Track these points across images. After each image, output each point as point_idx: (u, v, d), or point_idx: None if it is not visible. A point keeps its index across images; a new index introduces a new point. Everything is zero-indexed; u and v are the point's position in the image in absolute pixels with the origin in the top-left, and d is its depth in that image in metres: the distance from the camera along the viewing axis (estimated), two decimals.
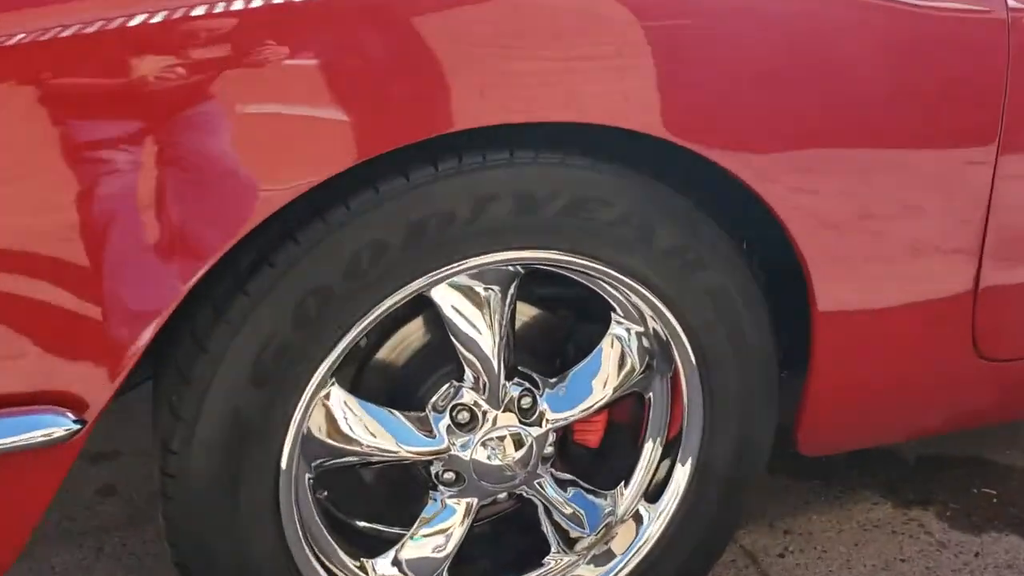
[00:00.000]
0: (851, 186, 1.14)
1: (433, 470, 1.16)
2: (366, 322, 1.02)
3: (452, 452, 1.14)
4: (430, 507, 1.18)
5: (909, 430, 1.42)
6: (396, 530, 1.22)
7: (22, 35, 0.83)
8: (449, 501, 1.17)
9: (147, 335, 0.93)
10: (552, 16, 0.97)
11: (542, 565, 1.27)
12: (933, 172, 1.19)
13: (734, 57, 1.04)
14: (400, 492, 1.23)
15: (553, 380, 1.19)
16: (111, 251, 0.91)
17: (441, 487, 1.16)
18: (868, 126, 1.13)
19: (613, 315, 1.19)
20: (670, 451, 1.26)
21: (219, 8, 0.87)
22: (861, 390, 1.28)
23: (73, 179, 0.88)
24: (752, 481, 1.30)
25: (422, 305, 1.13)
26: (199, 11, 0.87)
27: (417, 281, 1.03)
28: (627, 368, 1.21)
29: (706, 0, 1.04)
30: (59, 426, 0.92)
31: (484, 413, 1.14)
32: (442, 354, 1.16)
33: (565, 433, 1.27)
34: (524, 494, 1.21)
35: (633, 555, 1.27)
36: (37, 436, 0.92)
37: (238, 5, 0.88)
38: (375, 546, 1.21)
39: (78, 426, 0.93)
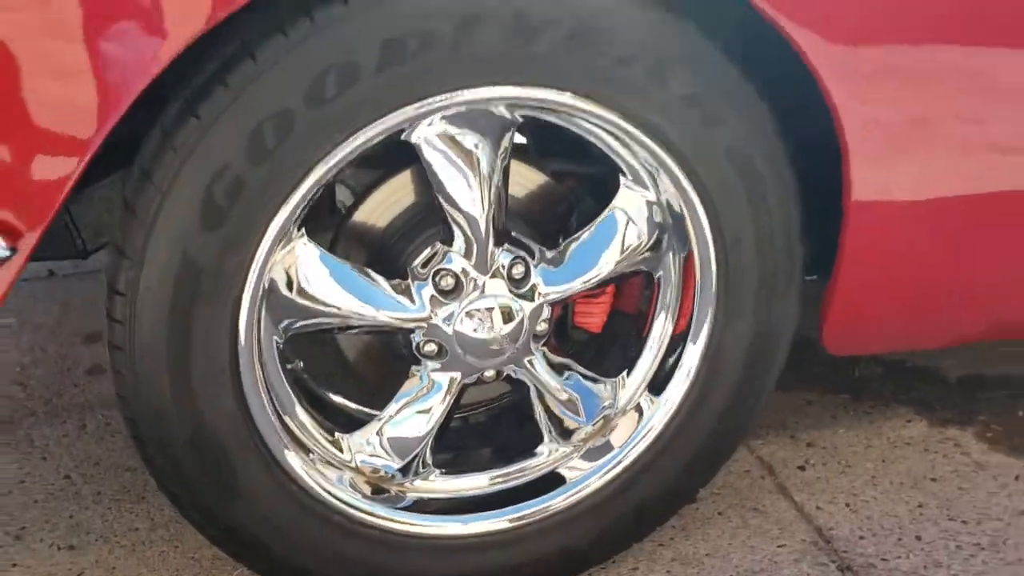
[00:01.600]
0: (906, 43, 1.00)
1: (414, 340, 1.05)
2: (333, 161, 0.91)
3: (434, 321, 1.03)
4: (411, 383, 1.08)
5: (948, 335, 1.28)
6: (371, 411, 1.13)
7: None
8: (432, 375, 1.07)
9: (78, 166, 0.83)
10: None
11: (535, 455, 1.16)
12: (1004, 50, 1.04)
13: None
14: (380, 366, 1.13)
15: (549, 249, 1.07)
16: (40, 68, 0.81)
17: (423, 359, 1.06)
18: None
19: (622, 179, 1.07)
20: (679, 340, 1.15)
21: None
22: (896, 289, 1.15)
23: None
24: (769, 380, 1.18)
25: (405, 159, 1.02)
26: None
27: (393, 115, 0.91)
28: (634, 241, 1.09)
29: None
30: None
31: (471, 280, 1.03)
32: (427, 217, 1.05)
33: (564, 314, 1.17)
34: (513, 374, 1.10)
35: (631, 449, 1.15)
36: None
37: None
38: (350, 422, 1.12)
39: (9, 254, 0.84)
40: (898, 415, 1.51)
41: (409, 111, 0.91)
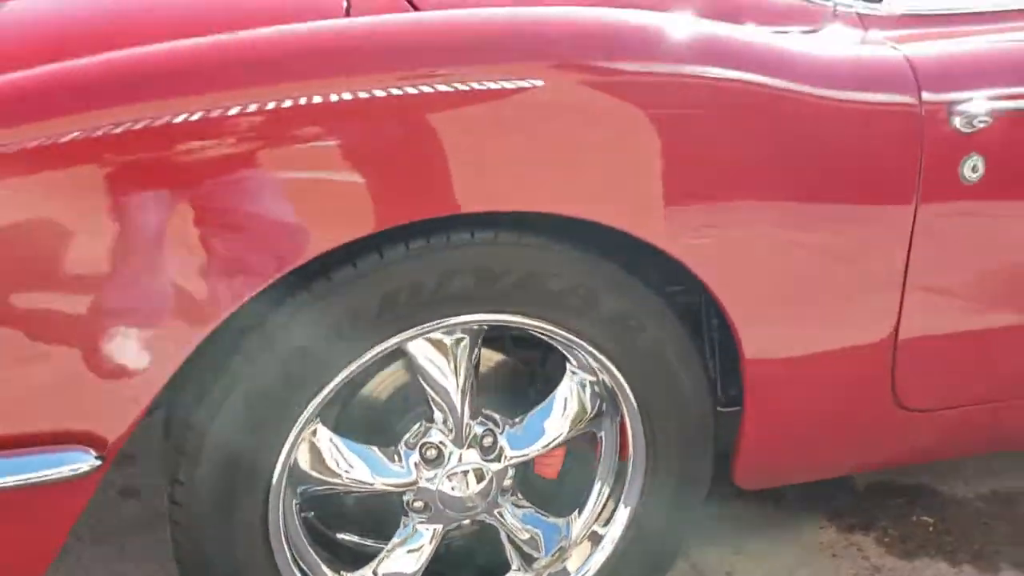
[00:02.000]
0: (766, 252, 1.29)
1: (404, 498, 1.33)
2: (344, 374, 1.20)
3: (420, 484, 1.31)
4: (402, 530, 1.35)
5: (833, 469, 1.57)
6: (372, 542, 1.40)
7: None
8: (419, 526, 1.34)
9: (156, 388, 1.11)
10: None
11: None
12: (856, 237, 1.34)
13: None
14: (377, 512, 1.40)
15: (514, 420, 1.35)
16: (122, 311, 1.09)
17: (411, 513, 1.34)
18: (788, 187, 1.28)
19: (568, 365, 1.35)
20: (619, 480, 1.43)
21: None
22: (787, 431, 1.43)
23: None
24: (694, 510, 1.46)
25: (400, 352, 1.30)
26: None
27: (390, 340, 1.20)
28: (580, 411, 1.37)
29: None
30: (82, 462, 1.10)
31: (450, 450, 1.31)
32: (415, 396, 1.33)
33: (526, 465, 1.44)
34: (485, 520, 1.38)
35: (585, 572, 1.43)
36: (64, 471, 1.10)
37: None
38: (355, 559, 1.38)
39: (99, 462, 1.11)
40: (812, 521, 1.78)
41: (404, 335, 1.20)
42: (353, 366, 1.20)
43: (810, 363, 1.37)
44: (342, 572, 1.36)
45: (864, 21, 1.42)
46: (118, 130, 1.03)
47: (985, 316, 1.46)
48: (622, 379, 1.32)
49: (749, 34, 1.31)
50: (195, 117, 1.04)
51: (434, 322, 1.20)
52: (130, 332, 1.10)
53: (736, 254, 1.27)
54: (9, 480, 1.10)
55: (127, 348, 1.10)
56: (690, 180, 1.23)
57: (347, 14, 1.32)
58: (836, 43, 1.37)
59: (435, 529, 1.35)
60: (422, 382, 1.28)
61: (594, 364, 1.32)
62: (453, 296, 1.19)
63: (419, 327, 1.20)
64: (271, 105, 1.06)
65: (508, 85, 1.12)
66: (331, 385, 1.20)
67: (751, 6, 1.42)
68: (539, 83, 1.13)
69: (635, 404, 1.34)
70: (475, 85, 1.11)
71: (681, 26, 1.25)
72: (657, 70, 1.20)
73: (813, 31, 1.39)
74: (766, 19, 1.38)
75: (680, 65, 1.21)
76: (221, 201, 1.08)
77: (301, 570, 1.32)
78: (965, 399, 1.50)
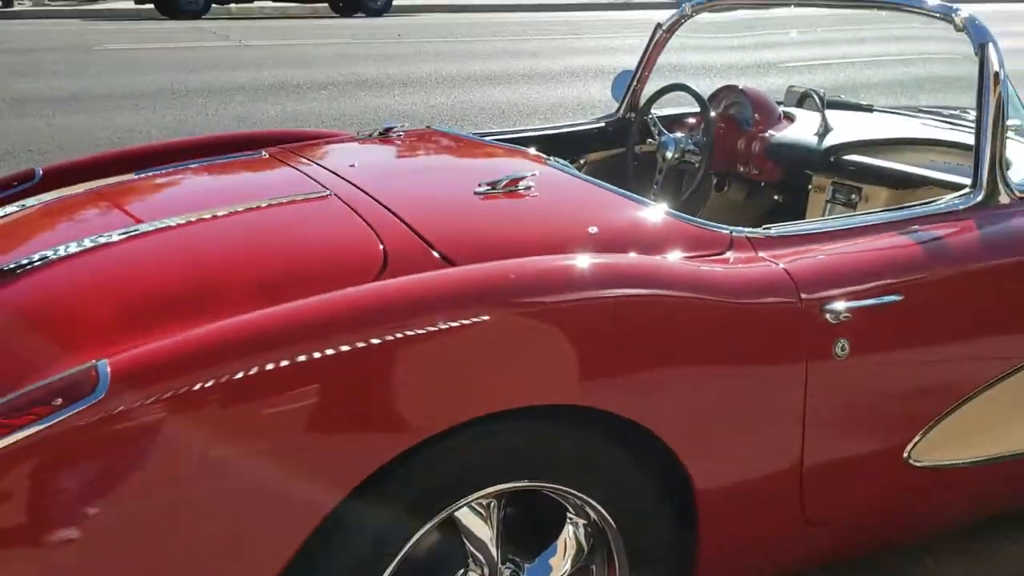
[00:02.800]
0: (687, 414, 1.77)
1: None
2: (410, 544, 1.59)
3: None
4: None
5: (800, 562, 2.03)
6: None
7: None
8: None
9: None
10: None
11: None
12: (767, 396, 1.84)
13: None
14: None
15: (531, 561, 1.77)
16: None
17: None
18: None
19: (567, 513, 1.78)
20: None
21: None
22: (732, 545, 1.89)
23: None
24: None
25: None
26: None
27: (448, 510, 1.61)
28: (579, 549, 1.79)
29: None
30: None
31: None
32: (453, 551, 1.72)
33: None
34: None
35: None
36: None
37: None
38: None
39: None
40: None
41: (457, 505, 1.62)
42: (418, 534, 1.60)
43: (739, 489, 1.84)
44: None
45: (752, 243, 1.96)
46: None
47: (862, 444, 1.97)
48: (610, 518, 1.75)
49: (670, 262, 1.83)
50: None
51: (480, 492, 1.62)
52: None
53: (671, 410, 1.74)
54: None
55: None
56: (628, 367, 1.70)
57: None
58: (734, 263, 1.89)
59: None
60: (465, 539, 1.68)
61: (588, 510, 1.75)
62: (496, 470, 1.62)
63: (469, 497, 1.62)
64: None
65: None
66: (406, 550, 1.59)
67: (669, 235, 1.94)
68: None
69: (622, 539, 1.77)
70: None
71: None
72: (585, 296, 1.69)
73: (717, 254, 1.93)
74: (683, 248, 1.91)
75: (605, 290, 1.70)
76: None
77: None
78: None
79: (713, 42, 10.14)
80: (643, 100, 3.38)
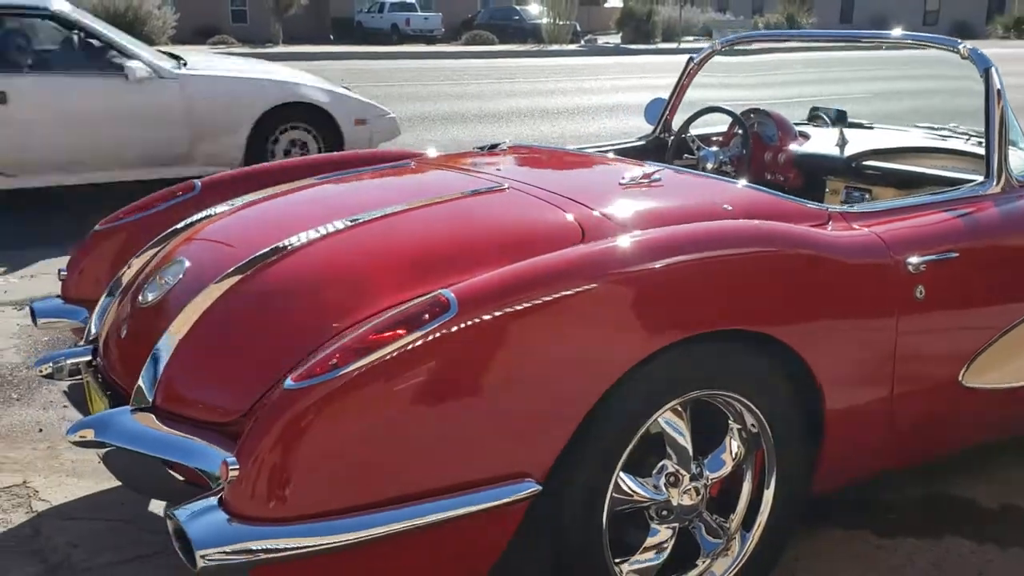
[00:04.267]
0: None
1: (650, 511, 2.20)
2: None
3: (673, 501, 2.20)
4: (651, 534, 2.22)
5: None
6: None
7: None
8: (664, 528, 2.22)
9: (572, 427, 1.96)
10: None
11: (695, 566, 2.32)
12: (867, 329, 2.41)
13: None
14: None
15: (706, 458, 2.28)
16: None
17: (657, 521, 2.21)
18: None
19: (729, 421, 2.31)
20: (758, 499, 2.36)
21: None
22: (844, 453, 2.44)
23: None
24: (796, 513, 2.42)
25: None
26: None
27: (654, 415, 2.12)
28: (738, 449, 2.32)
29: None
30: (525, 490, 1.93)
31: (682, 477, 2.22)
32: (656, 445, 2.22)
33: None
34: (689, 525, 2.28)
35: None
36: (515, 497, 1.92)
37: None
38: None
39: (540, 487, 1.94)
40: (903, 548, 2.75)
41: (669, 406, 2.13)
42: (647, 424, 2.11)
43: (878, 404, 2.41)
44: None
45: (844, 217, 2.55)
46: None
47: (929, 369, 2.55)
48: (766, 423, 2.29)
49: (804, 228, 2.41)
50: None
51: (685, 395, 2.14)
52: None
53: (811, 338, 2.29)
54: (472, 508, 1.88)
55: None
56: (784, 303, 2.26)
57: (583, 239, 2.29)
58: (838, 231, 2.48)
59: (675, 528, 2.23)
60: (668, 434, 2.19)
61: (747, 416, 2.28)
62: (695, 379, 2.15)
63: (679, 397, 2.14)
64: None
65: None
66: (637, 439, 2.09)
67: (782, 211, 2.52)
68: None
69: (773, 441, 2.31)
70: None
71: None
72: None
73: (822, 224, 2.51)
74: (797, 220, 2.48)
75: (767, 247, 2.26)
76: None
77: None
78: None
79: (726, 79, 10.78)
80: (675, 123, 4.00)
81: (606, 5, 47.49)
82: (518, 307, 1.90)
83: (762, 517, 2.35)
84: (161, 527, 2.83)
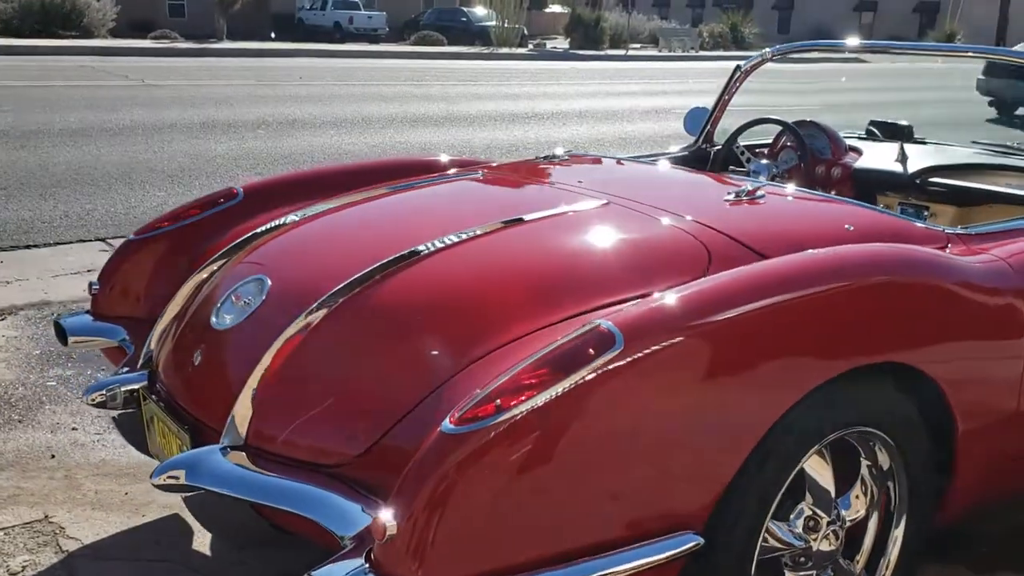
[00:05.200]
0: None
1: (785, 559, 2.02)
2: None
3: (812, 547, 2.04)
4: None
5: None
6: None
7: None
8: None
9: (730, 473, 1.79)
10: None
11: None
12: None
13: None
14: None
15: (841, 496, 2.12)
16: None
17: (793, 568, 2.04)
18: None
19: (861, 460, 2.15)
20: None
21: None
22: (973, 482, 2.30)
23: None
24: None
25: None
26: None
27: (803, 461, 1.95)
28: (870, 489, 2.17)
29: None
30: (691, 543, 1.74)
31: (821, 520, 2.05)
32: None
33: None
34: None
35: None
36: (680, 551, 1.73)
37: None
38: None
39: (701, 540, 1.76)
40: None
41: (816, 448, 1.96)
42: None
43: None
44: None
45: (961, 239, 2.42)
46: None
47: None
48: (900, 458, 2.13)
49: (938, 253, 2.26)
50: None
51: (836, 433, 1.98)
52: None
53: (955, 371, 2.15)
54: (636, 564, 1.69)
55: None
56: (925, 333, 2.11)
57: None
58: (957, 254, 2.34)
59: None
60: (810, 475, 2.02)
61: (880, 454, 2.13)
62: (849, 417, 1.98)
63: (831, 436, 1.97)
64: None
65: None
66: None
67: (903, 233, 2.37)
68: None
69: (905, 476, 2.16)
70: None
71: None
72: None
73: (942, 247, 2.37)
74: (918, 242, 2.34)
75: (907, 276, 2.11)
76: None
77: None
78: None
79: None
80: (717, 133, 3.85)
81: (547, 10, 47.58)
82: (681, 339, 1.71)
83: (890, 557, 2.20)
84: (203, 566, 2.62)
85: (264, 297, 2.13)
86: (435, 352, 1.87)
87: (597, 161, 3.16)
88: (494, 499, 1.55)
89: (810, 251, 2.05)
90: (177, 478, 1.86)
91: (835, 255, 2.05)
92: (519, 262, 2.13)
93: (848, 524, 2.12)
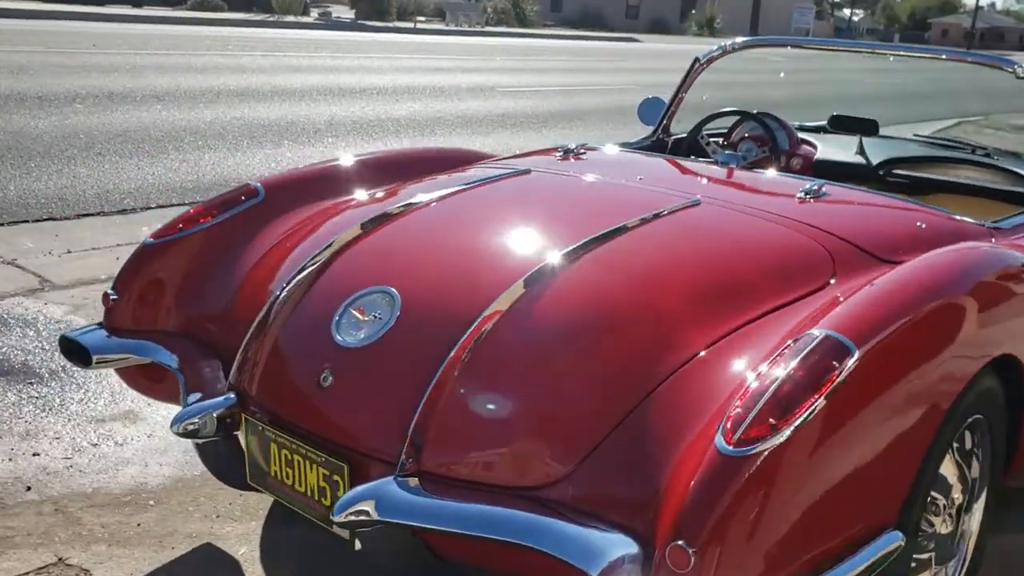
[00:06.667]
0: None
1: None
2: None
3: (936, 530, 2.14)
4: None
5: None
6: None
7: None
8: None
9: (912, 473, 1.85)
10: None
11: None
12: None
13: None
14: None
15: None
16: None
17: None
18: None
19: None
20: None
21: None
22: None
23: None
24: None
25: None
26: None
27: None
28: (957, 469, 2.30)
29: None
30: (892, 542, 1.79)
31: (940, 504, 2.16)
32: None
33: None
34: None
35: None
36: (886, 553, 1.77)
37: None
38: None
39: (903, 538, 1.80)
40: None
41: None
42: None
43: None
44: None
45: (999, 232, 2.61)
46: None
47: None
48: (991, 440, 2.28)
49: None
50: None
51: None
52: None
53: None
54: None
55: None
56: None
57: None
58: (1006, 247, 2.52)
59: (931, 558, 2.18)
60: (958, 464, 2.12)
61: (965, 435, 2.26)
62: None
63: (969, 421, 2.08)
64: None
65: None
66: None
67: (956, 229, 2.52)
68: None
69: (988, 454, 2.30)
70: None
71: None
72: None
73: (990, 241, 2.54)
74: (973, 238, 2.49)
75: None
76: None
77: None
78: None
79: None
80: (674, 124, 3.93)
81: None
82: (894, 339, 1.79)
83: (972, 526, 2.34)
84: None
85: (398, 311, 1.96)
86: (632, 361, 1.81)
87: (621, 155, 3.14)
88: (780, 516, 1.55)
89: (934, 253, 2.16)
90: (366, 513, 1.70)
91: (959, 255, 2.17)
92: (677, 267, 2.09)
93: (955, 506, 2.25)
